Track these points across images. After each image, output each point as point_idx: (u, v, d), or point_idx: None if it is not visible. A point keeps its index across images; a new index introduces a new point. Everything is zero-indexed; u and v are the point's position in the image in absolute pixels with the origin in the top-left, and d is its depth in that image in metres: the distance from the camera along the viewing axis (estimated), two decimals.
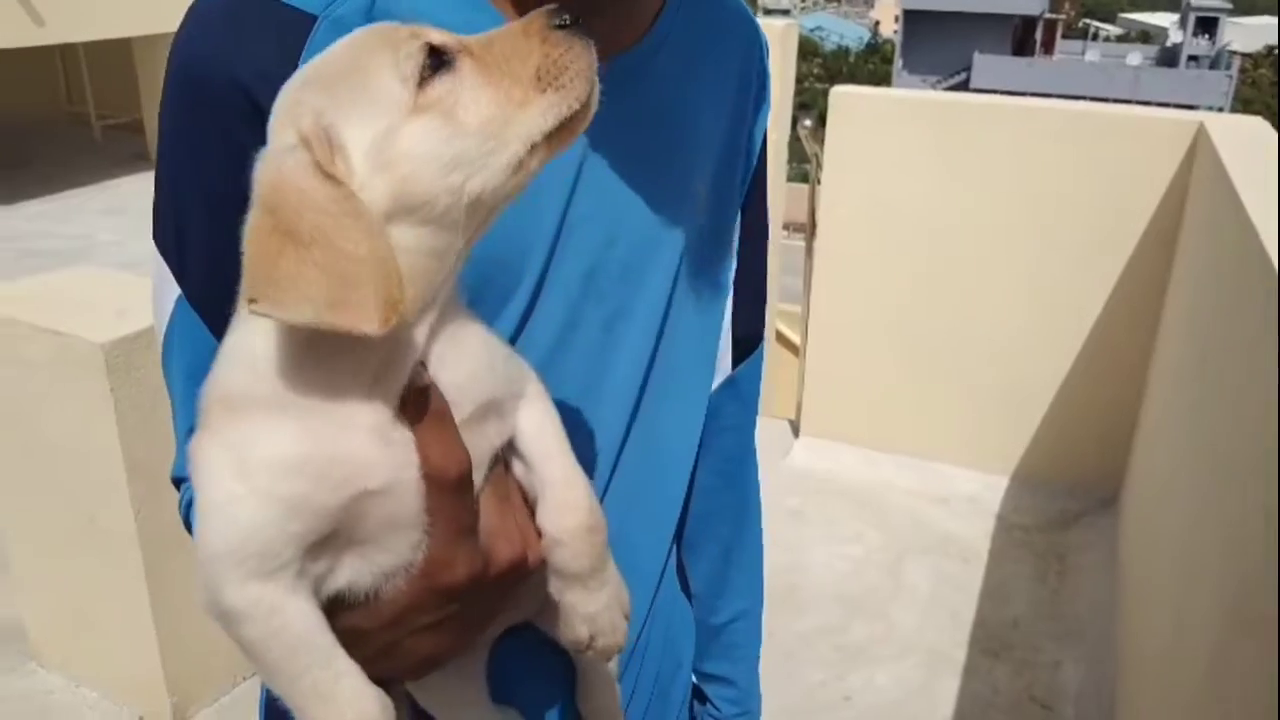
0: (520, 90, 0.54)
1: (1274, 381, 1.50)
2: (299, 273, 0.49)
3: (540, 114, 0.54)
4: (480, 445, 0.60)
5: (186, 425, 0.71)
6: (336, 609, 0.58)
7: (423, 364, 0.57)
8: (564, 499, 0.63)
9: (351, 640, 0.59)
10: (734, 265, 0.90)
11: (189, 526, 0.71)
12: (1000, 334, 3.50)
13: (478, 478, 0.60)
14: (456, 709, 0.74)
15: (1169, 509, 2.31)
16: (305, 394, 0.54)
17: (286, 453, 0.53)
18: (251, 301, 0.50)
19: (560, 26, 0.55)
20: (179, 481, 0.75)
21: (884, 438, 3.74)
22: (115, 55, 8.05)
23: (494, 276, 0.69)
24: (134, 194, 6.98)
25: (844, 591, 3.02)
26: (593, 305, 0.76)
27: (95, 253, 5.74)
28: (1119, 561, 3.09)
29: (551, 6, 0.56)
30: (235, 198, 0.64)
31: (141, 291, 2.38)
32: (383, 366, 0.55)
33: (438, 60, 0.54)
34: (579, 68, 0.55)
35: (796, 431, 3.89)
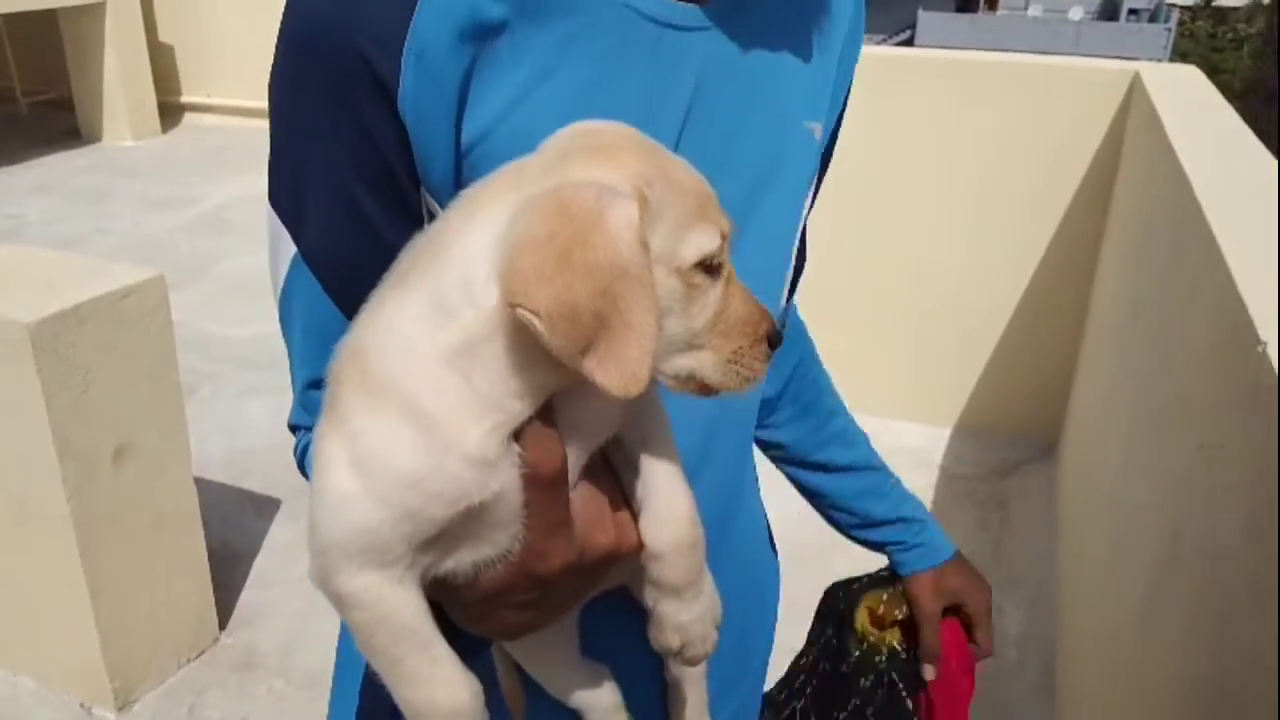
0: (722, 345, 0.61)
1: (1203, 325, 1.52)
2: (576, 307, 0.52)
3: (713, 370, 0.61)
4: (580, 446, 0.63)
5: (305, 378, 0.76)
6: (438, 585, 0.61)
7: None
8: (667, 511, 0.65)
9: (450, 605, 0.63)
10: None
11: (303, 469, 0.75)
12: (942, 287, 3.53)
13: (575, 474, 0.62)
14: (548, 665, 0.78)
15: (1104, 454, 2.36)
16: (445, 403, 0.56)
17: (405, 466, 0.56)
18: (515, 304, 0.52)
19: (770, 341, 0.63)
20: (294, 429, 0.79)
21: None
22: (39, 28, 7.80)
23: None
24: (64, 172, 6.80)
25: (785, 546, 3.04)
26: None
27: (26, 232, 5.58)
28: (1058, 508, 3.15)
29: (777, 328, 0.64)
30: (351, 162, 0.68)
31: (69, 267, 2.32)
32: (535, 395, 0.58)
33: (719, 260, 0.60)
34: (753, 374, 0.62)
35: None
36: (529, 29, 0.67)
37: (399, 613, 0.59)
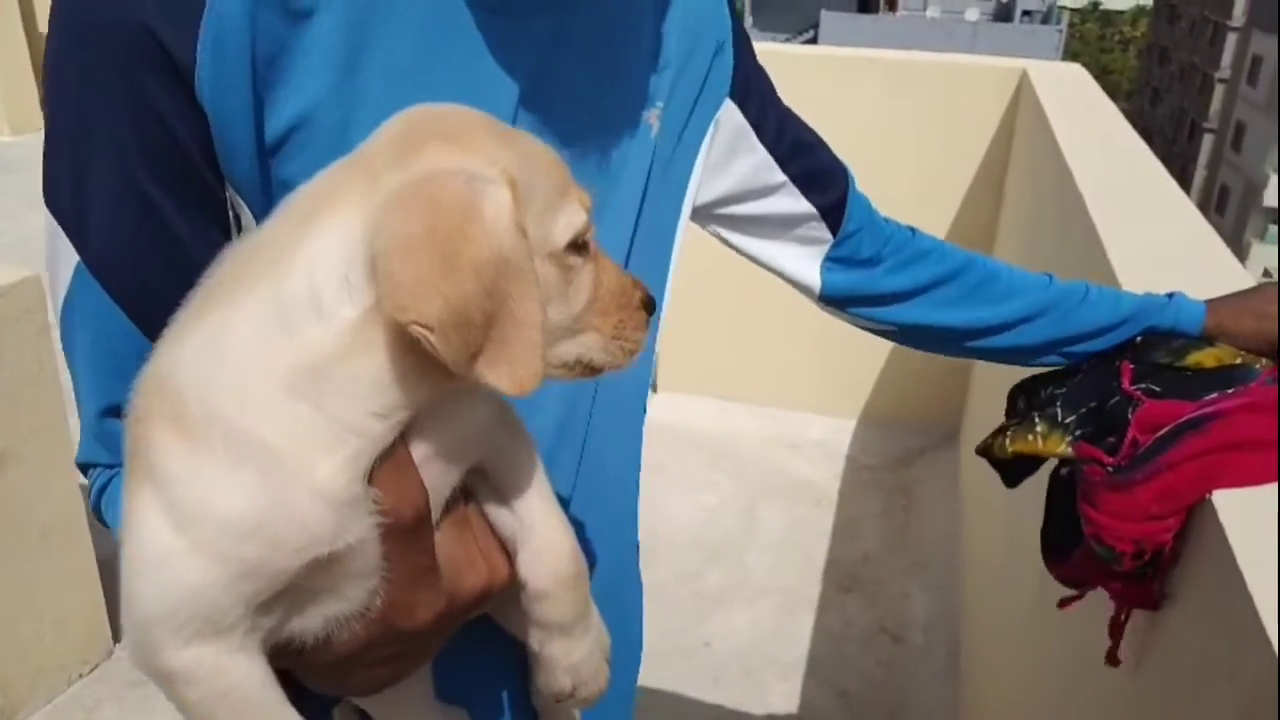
0: (603, 323, 0.58)
1: None
2: (467, 311, 0.48)
3: (600, 349, 0.59)
4: (441, 480, 0.57)
5: (96, 406, 0.67)
6: (280, 649, 0.54)
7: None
8: (547, 547, 0.61)
9: (297, 669, 0.56)
10: (690, 195, 0.87)
11: (100, 515, 0.67)
12: None
13: (436, 514, 0.57)
14: (399, 713, 0.70)
15: None
16: (290, 433, 0.49)
17: (242, 514, 0.49)
18: (408, 322, 0.47)
19: (647, 309, 0.61)
20: (86, 467, 0.69)
21: (738, 387, 3.80)
22: None
23: None
24: None
25: (701, 540, 3.07)
26: None
27: None
28: (960, 493, 3.23)
29: (649, 292, 0.62)
30: (142, 155, 0.61)
31: None
32: (401, 415, 0.52)
33: (584, 239, 0.57)
34: (635, 345, 0.60)
35: (654, 387, 3.91)
36: (336, 13, 0.62)
37: (241, 687, 0.52)
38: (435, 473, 0.56)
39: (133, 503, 0.51)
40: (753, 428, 3.69)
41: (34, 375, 2.17)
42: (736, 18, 0.89)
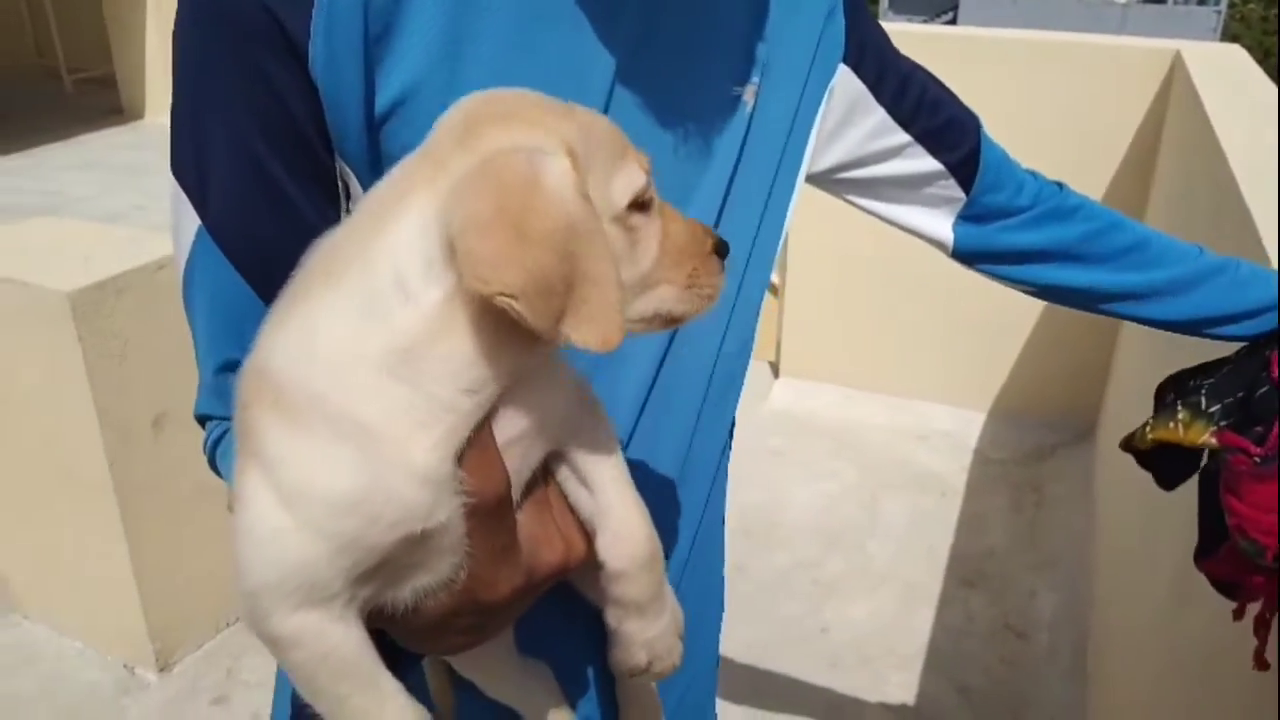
0: (675, 275, 0.60)
1: None
2: (547, 278, 0.50)
3: (676, 299, 0.60)
4: (522, 463, 0.60)
5: (213, 362, 0.70)
6: (375, 613, 0.58)
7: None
8: (623, 529, 0.63)
9: (389, 629, 0.59)
10: (803, 164, 0.87)
11: (214, 465, 0.71)
12: None
13: (517, 495, 0.59)
14: (482, 665, 0.74)
15: None
16: (386, 412, 0.52)
17: (343, 489, 0.52)
18: (493, 294, 0.49)
19: (719, 252, 0.62)
20: (204, 419, 0.74)
21: (863, 377, 3.75)
22: (84, 7, 7.90)
23: None
24: (107, 149, 6.89)
25: (822, 527, 3.05)
26: None
27: (68, 209, 5.67)
28: (1094, 493, 3.12)
29: (719, 237, 0.62)
30: (259, 126, 0.64)
31: (107, 239, 2.36)
32: (491, 390, 0.55)
33: (648, 195, 0.59)
34: (713, 291, 0.61)
35: (776, 372, 3.90)
36: None
37: (340, 650, 0.55)
38: (517, 455, 0.58)
39: (242, 480, 0.54)
40: (877, 417, 3.64)
41: (190, 341, 2.31)
42: None
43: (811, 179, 0.91)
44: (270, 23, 0.62)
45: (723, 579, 0.99)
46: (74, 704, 2.34)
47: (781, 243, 0.89)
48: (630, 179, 0.57)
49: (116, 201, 5.86)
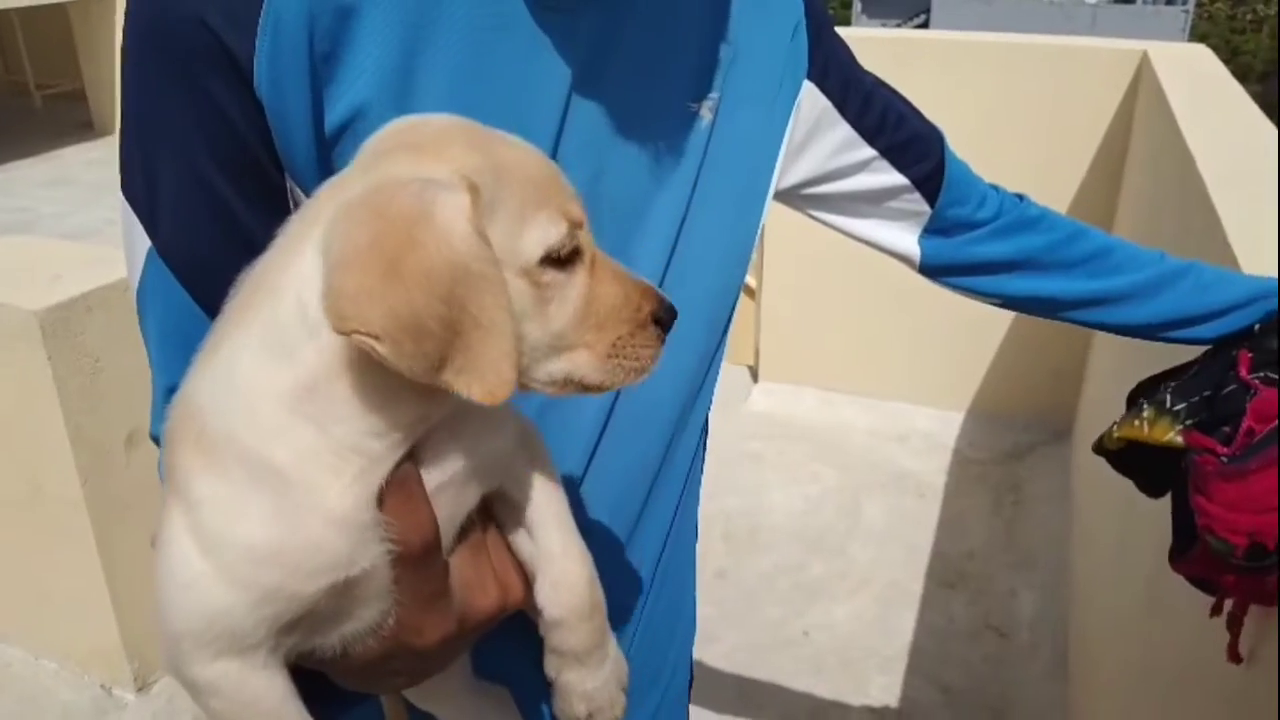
0: (597, 339, 0.55)
1: None
2: (418, 319, 0.46)
3: (592, 370, 0.55)
4: (454, 507, 0.58)
5: (165, 383, 0.69)
6: (305, 657, 0.57)
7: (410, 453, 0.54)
8: (562, 576, 0.62)
9: (326, 670, 0.58)
10: (772, 180, 0.86)
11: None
12: None
13: (449, 539, 0.58)
14: (439, 696, 0.72)
15: None
16: (297, 455, 0.50)
17: (260, 539, 0.50)
18: (349, 331, 0.46)
19: (659, 321, 0.57)
20: (158, 440, 0.72)
21: (841, 379, 3.77)
22: (52, 22, 7.83)
23: None
24: (79, 165, 6.84)
25: (802, 530, 3.05)
26: None
27: (39, 225, 5.62)
28: (1071, 491, 3.14)
29: (667, 304, 0.58)
30: (206, 147, 0.63)
31: (76, 257, 2.34)
32: (400, 433, 0.52)
33: (572, 250, 0.54)
34: (640, 363, 0.57)
35: (755, 376, 3.90)
36: (389, 9, 0.63)
37: (262, 700, 0.53)
38: (448, 499, 0.56)
39: (165, 520, 0.53)
40: (857, 419, 3.65)
41: None
42: None
43: (778, 196, 0.91)
44: (214, 43, 0.61)
45: (694, 586, 0.99)
46: None
47: (754, 251, 0.89)
48: (545, 231, 0.52)
49: (87, 217, 5.81)
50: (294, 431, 0.50)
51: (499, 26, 0.67)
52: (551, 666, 0.64)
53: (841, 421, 3.65)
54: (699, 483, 0.95)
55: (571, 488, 0.77)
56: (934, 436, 3.55)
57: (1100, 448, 0.96)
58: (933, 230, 0.94)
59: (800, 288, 3.72)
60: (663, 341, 0.57)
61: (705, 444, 0.94)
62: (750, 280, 4.50)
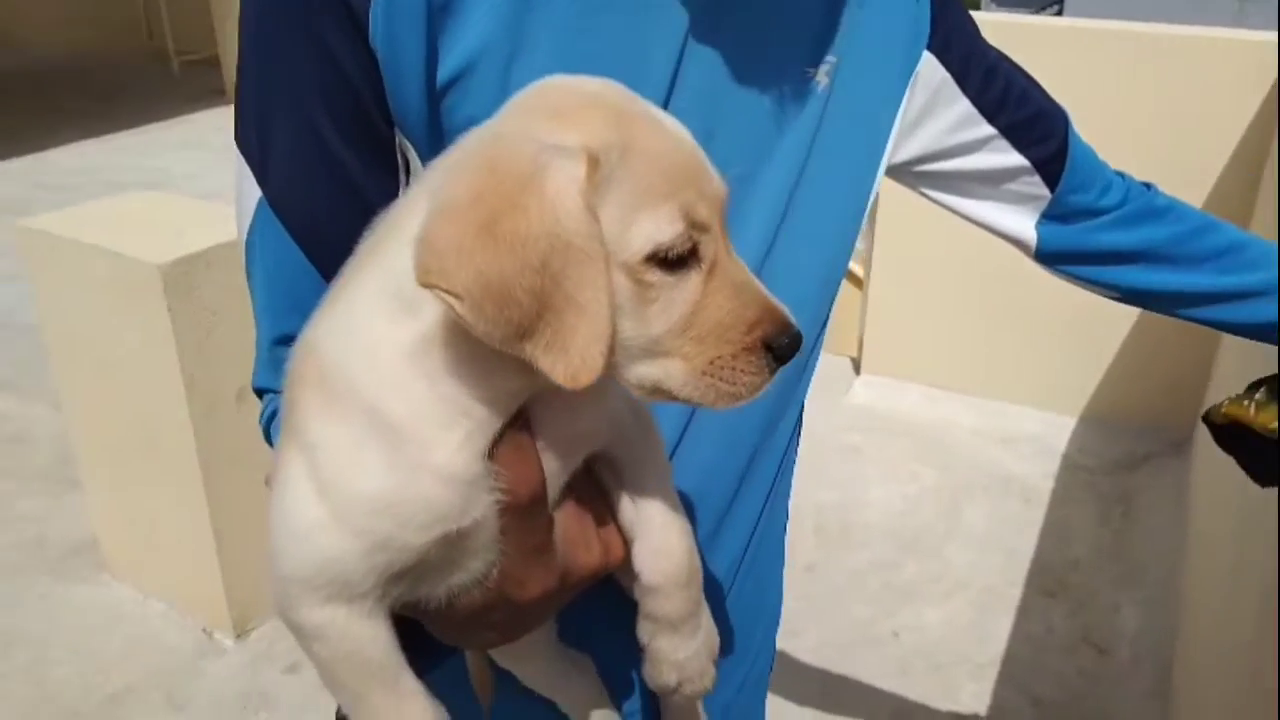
0: (696, 352, 0.51)
1: None
2: (505, 285, 0.44)
3: (683, 384, 0.51)
4: (562, 463, 0.57)
5: (270, 335, 0.70)
6: (408, 605, 0.58)
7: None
8: (661, 544, 0.61)
9: (423, 620, 0.59)
10: (884, 153, 0.83)
11: (269, 439, 0.71)
12: None
13: (555, 495, 0.58)
14: (522, 655, 0.73)
15: None
16: (411, 410, 0.51)
17: (373, 490, 0.50)
18: (430, 284, 0.45)
19: (772, 348, 0.52)
20: (261, 392, 0.74)
21: (948, 375, 3.66)
22: None
23: None
24: (210, 129, 7.09)
25: (898, 529, 2.98)
26: None
27: (171, 185, 5.85)
28: (1187, 506, 2.99)
29: (789, 331, 0.53)
30: (320, 98, 0.64)
31: (201, 214, 2.42)
32: (505, 399, 0.52)
33: (687, 252, 0.50)
34: (738, 389, 0.52)
35: (858, 368, 3.83)
36: None
37: (364, 648, 0.54)
38: (556, 456, 0.56)
39: (282, 460, 0.54)
40: (962, 418, 3.55)
41: None
42: None
43: (891, 171, 0.88)
44: None
45: (781, 573, 0.97)
46: (156, 664, 2.42)
47: (860, 231, 0.86)
48: (658, 227, 0.49)
49: (217, 180, 6.02)
50: (411, 386, 0.50)
51: None
52: (645, 632, 0.63)
53: (945, 419, 3.55)
54: (791, 471, 0.93)
55: None
56: (1042, 440, 3.42)
57: (1207, 417, 0.92)
58: (1052, 216, 0.90)
59: (909, 276, 3.62)
60: (772, 372, 0.53)
61: (800, 432, 0.92)
62: (856, 267, 4.42)
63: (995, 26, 3.44)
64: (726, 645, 0.86)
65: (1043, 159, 0.87)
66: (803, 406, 0.90)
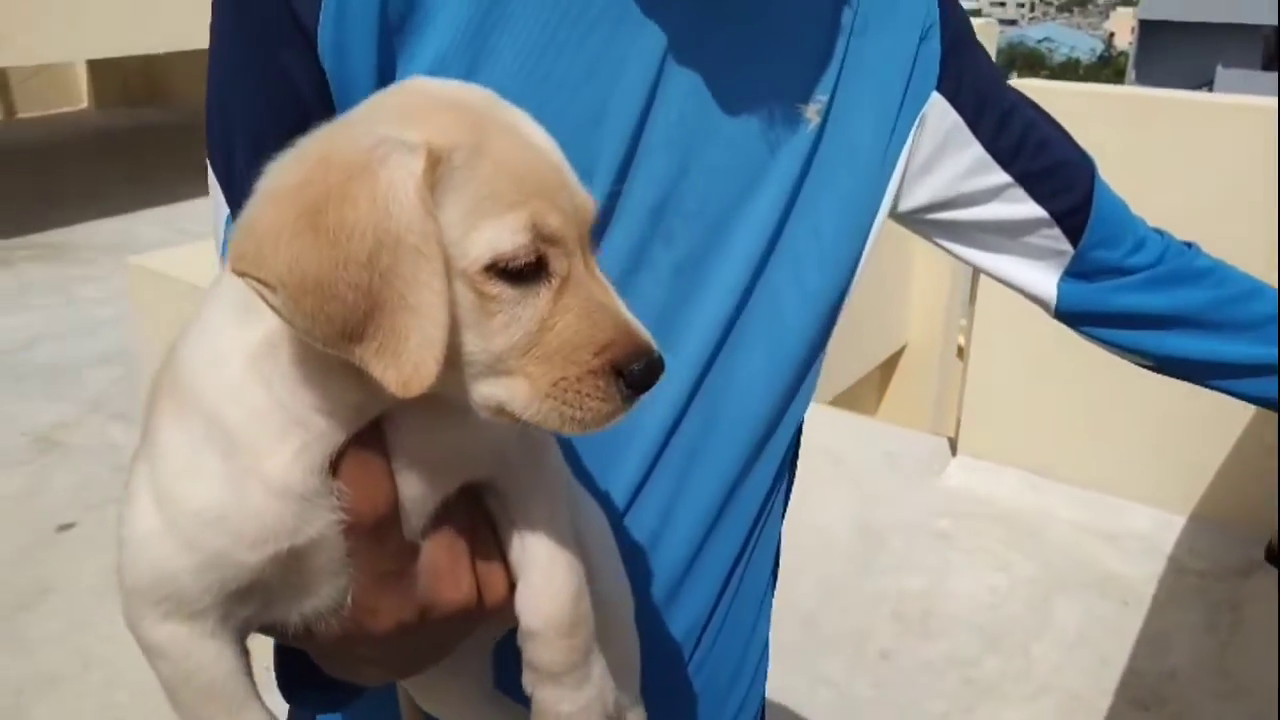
0: (540, 373, 0.48)
1: None
2: (324, 280, 0.42)
3: (525, 405, 0.48)
4: (426, 488, 0.54)
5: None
6: (271, 631, 0.55)
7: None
8: (543, 585, 0.57)
9: (305, 648, 0.57)
10: (885, 201, 0.79)
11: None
12: None
13: (419, 521, 0.54)
14: (452, 703, 0.69)
15: None
16: (246, 417, 0.49)
17: (206, 501, 0.49)
18: (242, 272, 0.43)
19: (624, 374, 0.48)
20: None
21: (1050, 462, 3.47)
22: None
23: None
24: None
25: (983, 623, 2.81)
26: (660, 246, 0.70)
27: None
28: None
29: (646, 356, 0.49)
30: (273, 118, 0.64)
31: None
32: (347, 411, 0.49)
33: (537, 266, 0.47)
34: (586, 415, 0.48)
35: (954, 449, 3.67)
36: None
37: (206, 669, 0.51)
38: (419, 480, 0.52)
39: (134, 467, 0.52)
40: (1062, 509, 3.36)
41: None
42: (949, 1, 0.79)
43: (904, 220, 0.83)
44: (285, 12, 0.62)
45: (766, 643, 0.90)
46: None
47: (856, 278, 0.80)
48: (499, 235, 0.46)
49: None
50: (249, 392, 0.48)
51: (581, 15, 0.65)
52: (527, 681, 0.59)
53: (1044, 509, 3.36)
54: (782, 512, 0.87)
55: (613, 508, 0.72)
56: (1149, 539, 3.20)
57: (1271, 553, 0.81)
58: (1074, 273, 0.84)
59: (1013, 354, 3.47)
60: (626, 399, 0.49)
61: (793, 469, 0.86)
62: (960, 340, 4.26)
63: (1107, 100, 3.31)
64: (686, 715, 0.80)
65: (1063, 211, 0.81)
66: (798, 442, 0.85)
